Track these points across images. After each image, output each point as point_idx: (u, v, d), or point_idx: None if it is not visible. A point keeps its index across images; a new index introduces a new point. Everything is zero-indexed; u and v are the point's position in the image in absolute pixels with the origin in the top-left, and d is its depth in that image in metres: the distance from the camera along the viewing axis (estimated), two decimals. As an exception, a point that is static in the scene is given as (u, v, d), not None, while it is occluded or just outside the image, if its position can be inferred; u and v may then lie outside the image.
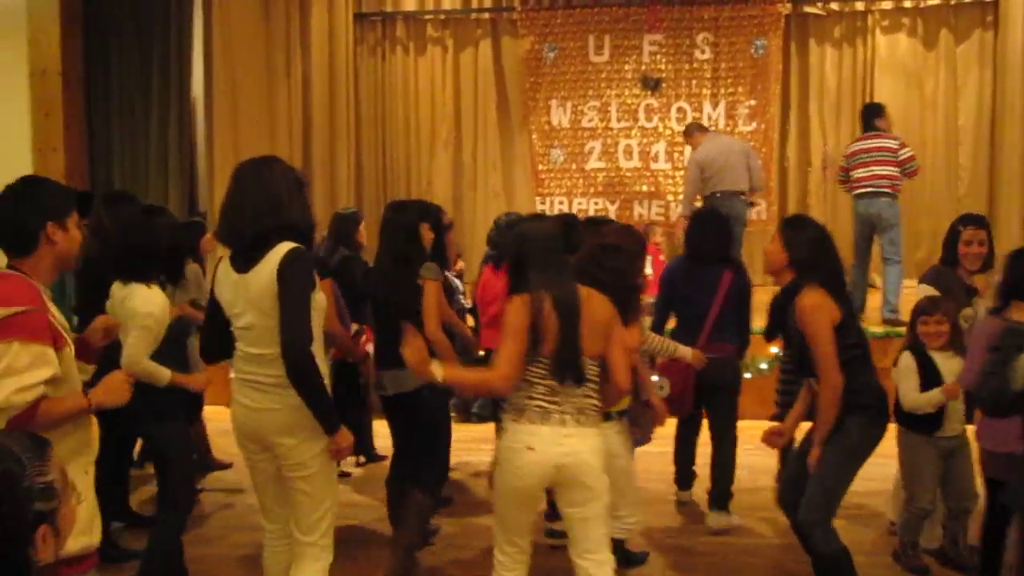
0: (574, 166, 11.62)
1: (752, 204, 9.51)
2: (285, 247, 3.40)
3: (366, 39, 12.01)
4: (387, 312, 4.90)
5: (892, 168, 8.35)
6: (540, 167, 11.67)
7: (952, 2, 11.00)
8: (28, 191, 3.07)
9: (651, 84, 11.38)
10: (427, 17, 11.91)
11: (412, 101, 11.99)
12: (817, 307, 4.00)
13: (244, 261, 3.46)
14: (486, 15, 11.89)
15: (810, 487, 4.14)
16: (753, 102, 11.22)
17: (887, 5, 11.17)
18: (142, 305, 4.32)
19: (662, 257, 9.73)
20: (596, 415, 3.69)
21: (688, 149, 9.97)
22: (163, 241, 4.63)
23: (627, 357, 3.85)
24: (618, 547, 4.29)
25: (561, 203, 11.50)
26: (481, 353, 6.03)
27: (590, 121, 11.56)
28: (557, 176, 11.65)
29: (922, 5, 11.08)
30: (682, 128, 11.23)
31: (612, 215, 10.92)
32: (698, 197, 9.02)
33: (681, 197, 9.83)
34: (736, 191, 8.88)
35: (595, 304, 3.70)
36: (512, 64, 11.84)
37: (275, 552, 3.77)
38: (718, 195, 8.80)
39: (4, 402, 2.78)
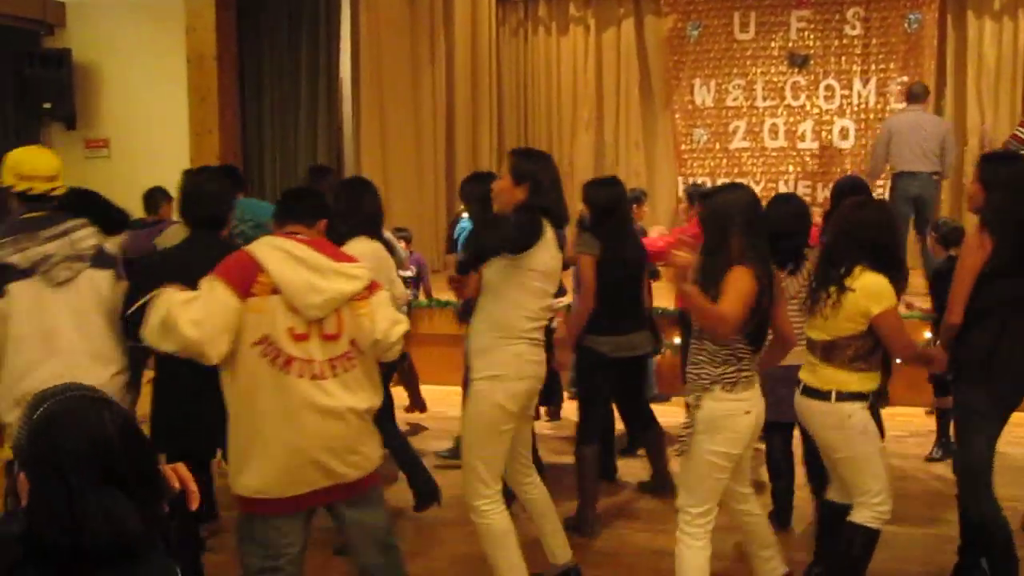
0: (717, 145, 11.46)
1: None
2: None
3: (508, 20, 12.06)
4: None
5: None
6: (683, 147, 11.54)
7: (1124, -30, 10.42)
8: None
9: (798, 61, 11.13)
10: (570, -3, 11.88)
11: (554, 82, 12.00)
12: None
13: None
14: (629, -7, 11.79)
15: None
16: (905, 79, 10.82)
17: (1053, -27, 10.65)
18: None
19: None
20: None
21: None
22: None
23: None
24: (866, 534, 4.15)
25: (705, 183, 11.34)
26: None
27: (734, 100, 11.38)
28: (700, 156, 11.50)
29: (1091, -27, 10.52)
30: (830, 107, 11.02)
31: (757, 196, 10.72)
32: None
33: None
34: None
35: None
36: (655, 43, 11.72)
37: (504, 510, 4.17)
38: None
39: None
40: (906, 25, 10.80)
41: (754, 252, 3.78)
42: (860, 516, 4.10)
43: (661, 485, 5.76)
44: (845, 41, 11.04)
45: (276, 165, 10.89)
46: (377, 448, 3.51)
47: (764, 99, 11.29)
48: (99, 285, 3.89)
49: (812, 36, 11.11)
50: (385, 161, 11.14)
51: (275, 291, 3.22)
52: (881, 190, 9.79)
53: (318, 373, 3.26)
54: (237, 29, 10.49)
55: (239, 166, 10.33)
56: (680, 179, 11.40)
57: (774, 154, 11.29)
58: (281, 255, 3.28)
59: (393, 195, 10.44)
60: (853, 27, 11.00)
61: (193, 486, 2.14)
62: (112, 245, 4.00)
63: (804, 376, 4.10)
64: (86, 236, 3.88)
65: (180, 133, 10.02)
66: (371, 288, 3.43)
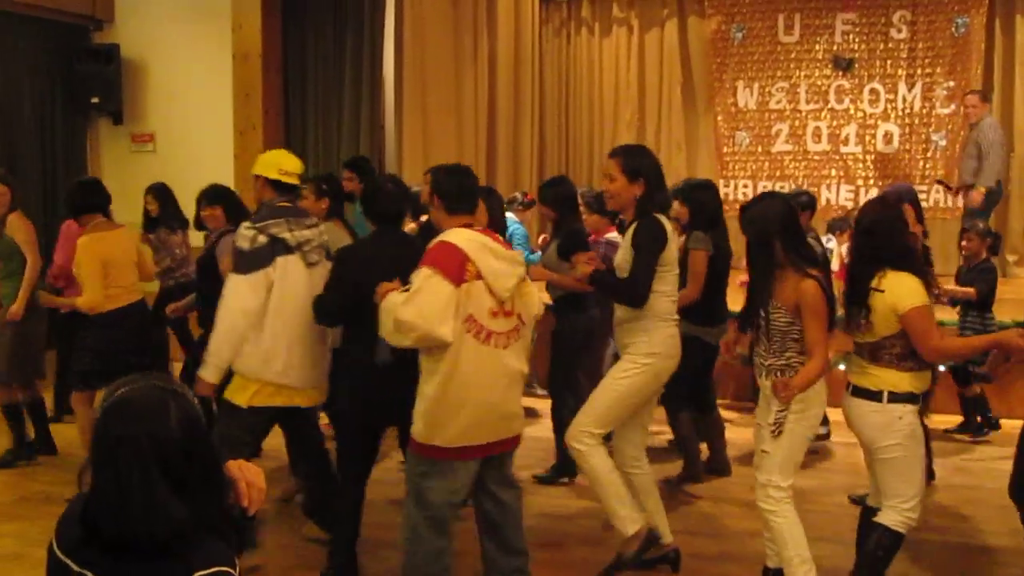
0: (760, 148, 11.41)
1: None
2: None
3: (551, 20, 12.07)
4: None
5: None
6: (725, 149, 11.50)
7: None
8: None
9: (843, 64, 11.05)
10: (613, -2, 11.86)
11: (596, 82, 11.98)
12: None
13: None
14: (673, -5, 11.76)
15: None
16: (952, 83, 10.74)
17: (1104, -21, 10.48)
18: None
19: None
20: None
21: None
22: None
23: None
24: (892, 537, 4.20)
25: (746, 186, 11.32)
26: None
27: (778, 103, 11.32)
28: (742, 159, 11.46)
29: None
30: (875, 111, 10.93)
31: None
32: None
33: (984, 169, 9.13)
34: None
35: None
36: (698, 45, 11.68)
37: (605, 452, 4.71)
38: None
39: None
40: (953, 29, 10.69)
41: (799, 257, 4.09)
42: (888, 519, 4.13)
43: (721, 467, 6.39)
44: (891, 45, 10.95)
45: (319, 162, 10.96)
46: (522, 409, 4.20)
47: (807, 102, 11.23)
48: (324, 276, 4.53)
49: (857, 39, 11.02)
50: (427, 159, 11.16)
51: (479, 276, 3.85)
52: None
53: (505, 344, 3.94)
54: (282, 27, 10.59)
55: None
56: (721, 181, 11.35)
57: (816, 158, 11.22)
58: (478, 246, 3.89)
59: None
60: (899, 30, 10.90)
61: (256, 488, 2.12)
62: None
63: (854, 378, 4.17)
64: (323, 231, 4.75)
65: (224, 129, 10.14)
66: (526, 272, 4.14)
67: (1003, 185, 9.28)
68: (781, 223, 4.11)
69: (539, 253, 7.52)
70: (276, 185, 4.69)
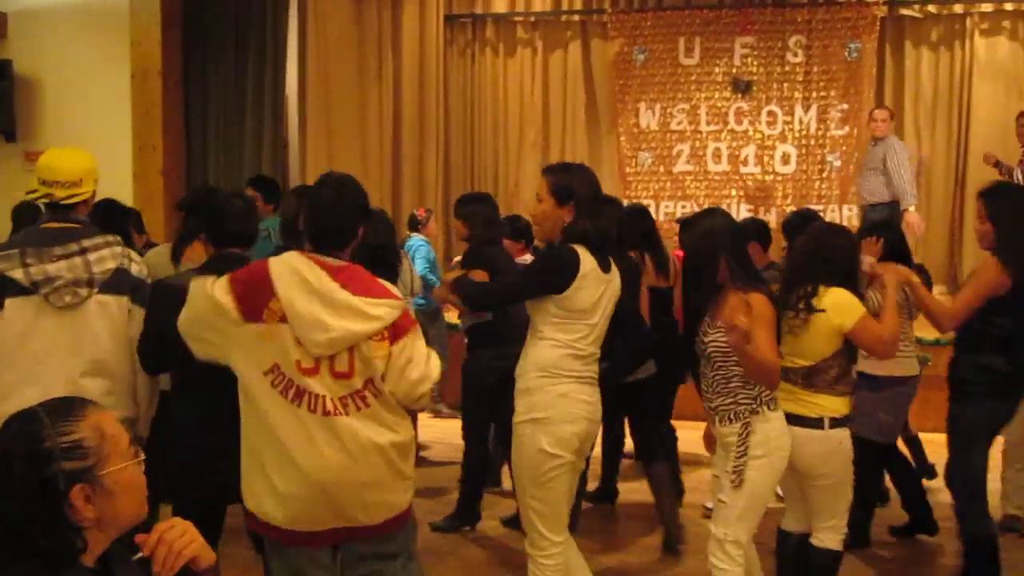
0: (662, 168, 11.56)
1: None
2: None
3: (456, 41, 12.09)
4: None
5: None
6: (628, 169, 11.64)
7: (1056, 5, 10.72)
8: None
9: (742, 87, 11.28)
10: (517, 19, 11.94)
11: (501, 103, 12.03)
12: None
13: (603, 263, 3.89)
14: (576, 17, 11.88)
15: None
16: (846, 106, 11.05)
17: (987, 7, 10.89)
18: None
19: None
20: None
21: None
22: None
23: None
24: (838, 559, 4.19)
25: (649, 206, 11.44)
26: None
27: (679, 124, 11.49)
28: (645, 179, 11.61)
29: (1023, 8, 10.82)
30: (773, 132, 11.19)
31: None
32: None
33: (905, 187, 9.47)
34: None
35: None
36: (601, 66, 11.82)
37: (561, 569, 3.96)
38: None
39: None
40: (846, 54, 11.00)
41: (745, 274, 3.90)
42: (831, 540, 4.10)
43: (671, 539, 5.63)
44: (787, 68, 11.21)
45: (220, 182, 10.80)
46: (402, 491, 3.17)
47: (708, 123, 11.43)
48: (110, 311, 3.61)
49: (755, 63, 11.27)
50: (331, 179, 11.10)
51: (284, 319, 2.96)
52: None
53: (330, 409, 2.98)
54: (182, 44, 10.43)
55: (183, 182, 10.26)
56: (625, 201, 11.47)
57: (717, 178, 11.42)
58: (296, 280, 2.99)
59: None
60: (795, 54, 11.18)
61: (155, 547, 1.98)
62: (139, 267, 3.74)
63: (784, 405, 3.96)
64: (106, 257, 3.61)
65: (123, 147, 9.91)
66: (396, 330, 3.05)
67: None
68: (729, 239, 3.94)
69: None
70: (45, 203, 3.70)
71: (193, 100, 10.76)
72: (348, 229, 3.16)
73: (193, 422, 3.61)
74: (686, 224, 4.24)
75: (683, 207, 11.27)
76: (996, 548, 4.52)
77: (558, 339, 3.78)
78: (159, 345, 3.55)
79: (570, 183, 3.88)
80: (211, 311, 3.03)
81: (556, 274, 3.78)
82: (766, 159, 11.27)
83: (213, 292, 3.02)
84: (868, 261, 4.94)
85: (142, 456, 2.08)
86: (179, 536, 2.02)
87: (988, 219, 4.43)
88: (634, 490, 6.37)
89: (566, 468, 3.83)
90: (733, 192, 11.31)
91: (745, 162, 11.34)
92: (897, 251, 5.20)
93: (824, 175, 11.16)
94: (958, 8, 11.00)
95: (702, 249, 3.94)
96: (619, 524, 6.13)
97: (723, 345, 3.79)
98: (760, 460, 3.79)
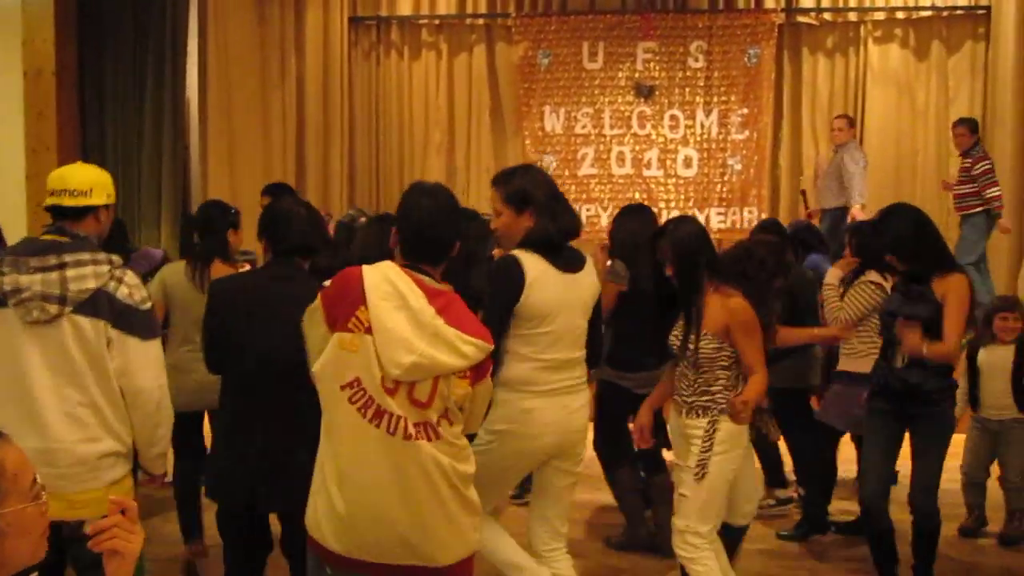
0: (567, 172, 11.64)
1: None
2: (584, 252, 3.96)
3: (360, 43, 12.02)
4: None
5: None
6: (533, 173, 11.65)
7: (944, 13, 11.08)
8: None
9: (644, 92, 11.42)
10: (422, 22, 11.93)
11: (406, 105, 11.99)
12: None
13: (567, 262, 3.75)
14: (481, 21, 11.91)
15: None
16: (745, 111, 11.28)
17: (880, 16, 11.25)
18: None
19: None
20: None
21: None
22: None
23: None
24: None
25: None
26: None
27: (583, 127, 11.59)
28: (550, 182, 11.64)
29: (914, 16, 11.16)
30: (675, 136, 11.35)
31: (604, 221, 10.94)
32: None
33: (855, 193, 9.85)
34: None
35: None
36: (506, 70, 11.86)
37: None
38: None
39: None
40: (746, 59, 11.22)
41: (722, 278, 4.03)
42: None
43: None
44: (689, 73, 11.39)
45: (118, 185, 10.56)
46: (472, 528, 2.92)
47: (611, 127, 11.55)
48: (84, 335, 3.28)
49: (657, 67, 11.43)
50: (233, 182, 10.98)
51: (369, 331, 2.73)
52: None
53: (412, 433, 2.74)
54: (78, 43, 10.18)
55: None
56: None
57: (621, 181, 11.54)
58: (389, 292, 2.77)
59: (242, 217, 10.23)
60: (696, 60, 11.36)
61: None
62: (132, 291, 3.35)
63: None
64: (87, 276, 3.28)
65: (15, 149, 9.62)
66: (480, 371, 2.87)
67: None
68: (707, 244, 4.13)
69: None
70: (52, 211, 3.46)
71: (89, 101, 10.52)
72: (446, 242, 2.96)
73: (228, 426, 3.72)
74: (663, 232, 4.25)
75: (588, 210, 11.36)
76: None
77: (522, 353, 3.68)
78: (222, 347, 3.66)
79: (522, 188, 3.72)
80: (311, 334, 2.89)
81: (504, 292, 3.64)
82: (668, 162, 11.43)
83: (311, 310, 2.90)
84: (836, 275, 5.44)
85: (43, 497, 1.94)
86: (126, 529, 1.97)
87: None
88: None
89: (515, 479, 4.05)
90: (637, 195, 11.43)
91: (648, 165, 11.48)
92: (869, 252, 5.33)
93: (725, 178, 11.36)
94: (852, 16, 11.33)
95: (683, 256, 4.06)
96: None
97: (711, 352, 3.92)
98: (722, 456, 3.92)
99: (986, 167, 9.26)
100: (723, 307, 3.90)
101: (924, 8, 11.11)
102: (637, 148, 11.51)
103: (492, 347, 2.89)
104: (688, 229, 4.15)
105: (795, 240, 6.37)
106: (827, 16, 11.38)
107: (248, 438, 3.56)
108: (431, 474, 2.77)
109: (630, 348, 5.18)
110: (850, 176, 9.75)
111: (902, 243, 4.48)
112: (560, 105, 11.60)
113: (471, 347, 2.79)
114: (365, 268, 2.82)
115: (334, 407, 2.79)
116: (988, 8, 10.81)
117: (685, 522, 3.96)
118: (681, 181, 11.45)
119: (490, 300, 3.69)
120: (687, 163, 11.43)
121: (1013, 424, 5.54)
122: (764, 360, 3.95)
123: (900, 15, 11.19)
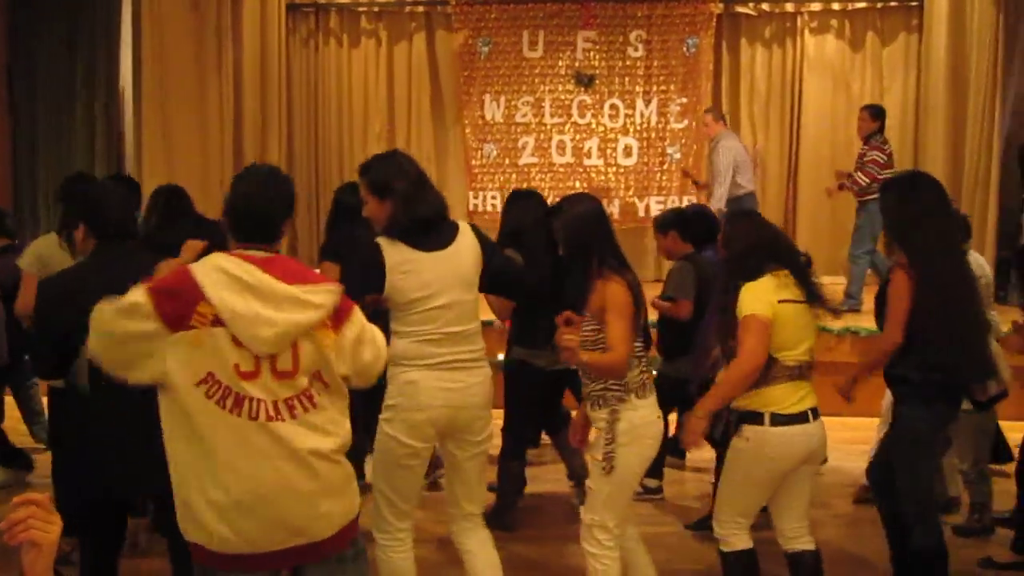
0: (507, 161, 11.65)
1: None
2: (463, 223, 3.98)
3: (299, 30, 11.91)
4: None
5: None
6: (473, 161, 11.68)
7: (879, 5, 11.24)
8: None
9: (584, 80, 11.44)
10: (361, 9, 11.85)
11: (345, 93, 11.92)
12: None
13: (435, 242, 3.81)
14: (420, 8, 11.87)
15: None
16: (684, 100, 11.35)
17: (816, 7, 11.38)
18: None
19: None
20: None
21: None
22: None
23: None
24: None
25: (494, 197, 11.50)
26: None
27: (523, 116, 11.59)
28: (490, 171, 11.67)
29: (850, 8, 11.31)
30: (615, 125, 11.39)
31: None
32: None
33: (716, 190, 9.51)
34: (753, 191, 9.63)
35: None
36: (446, 58, 11.82)
37: (408, 551, 3.97)
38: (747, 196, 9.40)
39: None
40: (684, 49, 11.28)
41: (614, 262, 3.89)
42: (810, 542, 4.15)
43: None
44: (628, 62, 11.43)
45: (50, 173, 10.40)
46: (352, 498, 2.95)
47: (552, 116, 11.56)
48: None
49: (597, 56, 11.45)
50: (170, 170, 10.77)
51: (218, 322, 2.71)
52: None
53: (272, 415, 2.74)
54: (7, 32, 9.97)
55: (8, 174, 9.84)
56: (470, 193, 11.54)
57: (561, 170, 11.57)
58: (227, 280, 2.75)
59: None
60: (636, 49, 11.40)
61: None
62: None
63: (810, 401, 3.93)
64: None
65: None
66: (338, 315, 2.88)
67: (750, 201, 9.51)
68: (600, 225, 3.96)
69: None
70: None
71: (18, 88, 10.30)
72: (272, 219, 2.95)
73: (79, 423, 3.66)
74: (555, 211, 4.14)
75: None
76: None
77: (401, 330, 3.80)
78: (60, 348, 3.51)
79: (382, 176, 3.81)
80: (130, 330, 2.72)
81: (365, 282, 3.71)
82: (609, 151, 11.47)
83: (127, 307, 2.72)
84: None
85: None
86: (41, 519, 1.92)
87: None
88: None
89: (417, 458, 3.88)
90: (577, 184, 11.46)
91: (588, 154, 11.52)
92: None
93: (664, 167, 11.44)
94: (789, 7, 11.45)
95: (573, 238, 3.96)
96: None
97: (590, 334, 3.81)
98: (626, 448, 3.83)
99: (875, 158, 8.79)
100: (601, 290, 3.81)
101: (859, 0, 11.24)
102: (577, 137, 11.54)
103: (340, 287, 2.90)
104: (581, 208, 4.02)
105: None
106: (765, 7, 11.48)
107: (105, 429, 3.51)
108: (298, 452, 2.77)
109: (531, 323, 5.24)
110: (715, 178, 9.58)
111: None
112: (500, 93, 11.59)
113: (318, 295, 2.83)
114: (192, 265, 2.83)
115: (192, 406, 2.73)
116: (921, 1, 10.96)
117: (591, 515, 3.93)
118: (621, 170, 11.51)
119: (351, 285, 3.56)
120: (627, 152, 11.49)
121: (960, 414, 5.60)
122: (628, 346, 3.77)
123: (836, 6, 11.33)
